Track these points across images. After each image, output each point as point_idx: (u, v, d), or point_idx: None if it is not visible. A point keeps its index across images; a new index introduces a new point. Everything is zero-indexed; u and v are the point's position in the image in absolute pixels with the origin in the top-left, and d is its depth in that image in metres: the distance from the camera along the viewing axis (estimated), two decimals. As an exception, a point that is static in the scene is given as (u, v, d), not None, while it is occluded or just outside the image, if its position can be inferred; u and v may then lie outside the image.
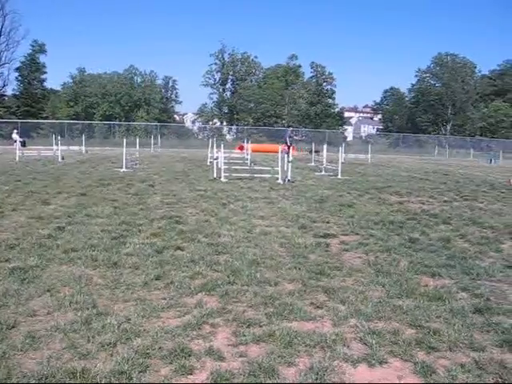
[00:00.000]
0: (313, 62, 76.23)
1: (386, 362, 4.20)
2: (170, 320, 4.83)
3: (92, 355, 4.02)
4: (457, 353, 4.42)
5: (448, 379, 3.95)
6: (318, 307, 5.35)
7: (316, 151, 31.04)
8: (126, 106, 66.49)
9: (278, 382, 3.81)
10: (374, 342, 4.49)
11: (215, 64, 72.87)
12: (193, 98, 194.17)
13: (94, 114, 65.65)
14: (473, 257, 7.84)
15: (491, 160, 46.49)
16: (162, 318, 4.87)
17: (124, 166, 20.35)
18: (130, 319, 4.73)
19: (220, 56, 72.47)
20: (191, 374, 3.86)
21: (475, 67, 76.52)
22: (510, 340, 4.65)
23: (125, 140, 22.58)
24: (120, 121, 63.09)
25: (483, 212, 12.58)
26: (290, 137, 29.65)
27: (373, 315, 5.14)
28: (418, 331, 4.80)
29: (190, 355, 4.11)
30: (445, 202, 14.38)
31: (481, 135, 70.50)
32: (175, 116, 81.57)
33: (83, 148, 35.12)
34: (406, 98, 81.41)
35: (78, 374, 3.71)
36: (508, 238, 9.47)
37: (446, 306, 5.50)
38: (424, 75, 77.67)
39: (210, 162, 22.24)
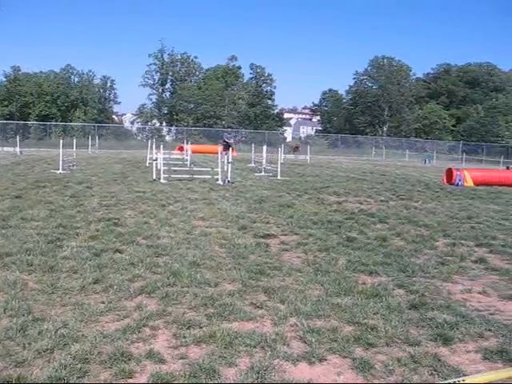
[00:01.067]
0: (252, 64, 76.58)
1: (326, 359, 4.28)
2: (109, 324, 4.77)
3: (28, 362, 3.93)
4: (393, 348, 4.56)
5: (385, 374, 4.07)
6: (258, 307, 5.39)
7: (296, 147, 32.30)
8: (63, 105, 64.68)
9: (219, 382, 3.83)
10: (313, 340, 4.57)
11: (154, 64, 72.04)
12: (132, 99, 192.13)
13: (30, 113, 63.62)
14: (408, 254, 8.09)
15: (426, 160, 47.92)
16: (101, 322, 4.80)
17: (61, 168, 19.84)
18: (67, 324, 4.64)
19: (159, 56, 71.69)
20: (131, 378, 3.83)
21: (410, 70, 78.70)
22: (443, 334, 4.83)
23: (61, 141, 22.10)
24: (56, 121, 61.28)
25: (418, 211, 12.96)
26: (227, 138, 29.70)
27: (312, 314, 5.23)
28: (356, 328, 4.92)
29: (129, 359, 4.07)
30: (381, 201, 14.73)
31: (416, 136, 72.36)
32: (114, 116, 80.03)
33: (18, 149, 34.03)
34: (344, 100, 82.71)
35: (14, 382, 3.62)
36: (442, 235, 9.80)
37: (382, 302, 5.66)
38: (361, 77, 79.19)
39: (149, 163, 22.02)
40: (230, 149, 27.33)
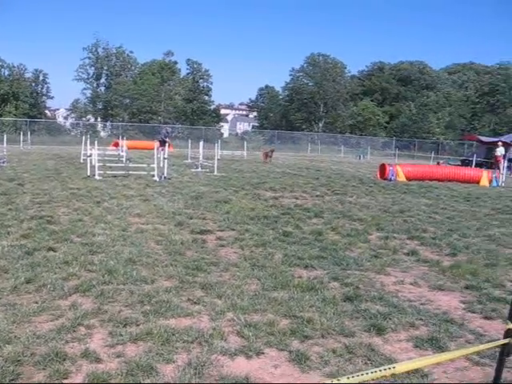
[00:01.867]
0: (189, 59, 76.00)
1: (263, 353, 4.35)
2: (43, 324, 4.67)
3: (-43, 365, 3.80)
4: (329, 339, 4.67)
5: (321, 365, 4.16)
6: (195, 303, 5.40)
7: (271, 151, 31.80)
8: (-8, 100, 62.50)
9: (157, 379, 3.82)
10: (250, 334, 4.62)
11: (89, 58, 70.27)
12: (65, 93, 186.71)
13: (-45, 108, 61.12)
14: (343, 248, 8.27)
15: (360, 156, 48.87)
16: (34, 322, 4.69)
17: (-10, 165, 19.21)
18: (-2, 325, 4.51)
19: (94, 50, 69.97)
20: (66, 378, 3.77)
21: (345, 68, 79.90)
22: (376, 324, 4.99)
23: (-10, 137, 21.34)
24: (-15, 116, 59.19)
25: (353, 205, 13.23)
26: (165, 135, 29.37)
27: (249, 308, 5.28)
28: (292, 321, 5.00)
29: (64, 359, 4.01)
30: (317, 196, 14.96)
31: (351, 132, 73.54)
32: (46, 111, 77.69)
33: None
34: (281, 96, 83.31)
35: None
36: (375, 229, 10.06)
37: (318, 295, 5.78)
38: (297, 74, 79.78)
39: (84, 159, 21.57)
40: (167, 145, 27.05)
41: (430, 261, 7.78)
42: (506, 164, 26.52)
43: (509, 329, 3.24)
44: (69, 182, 15.49)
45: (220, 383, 3.83)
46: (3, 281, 5.79)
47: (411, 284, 6.56)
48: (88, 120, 69.97)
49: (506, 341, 3.26)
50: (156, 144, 23.45)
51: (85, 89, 71.35)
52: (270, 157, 31.88)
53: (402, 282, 6.63)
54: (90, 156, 18.42)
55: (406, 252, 8.29)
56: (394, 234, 9.62)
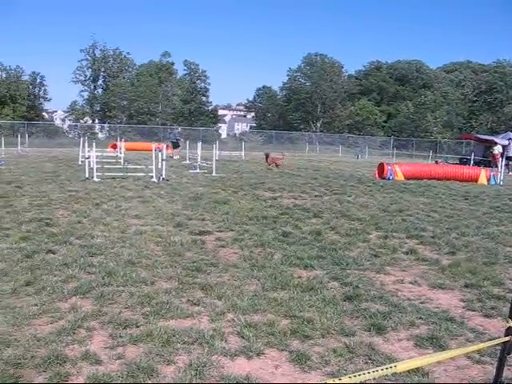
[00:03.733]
0: (186, 60, 76.05)
1: (263, 353, 4.34)
2: (43, 327, 4.66)
3: (-43, 369, 3.80)
4: (329, 339, 4.67)
5: (322, 364, 4.16)
6: (194, 304, 5.40)
7: (273, 161, 26.13)
8: (-10, 102, 62.42)
9: (158, 381, 3.82)
10: (250, 334, 4.62)
11: (86, 60, 70.35)
12: (63, 95, 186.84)
13: (-47, 110, 61.02)
14: (342, 248, 8.26)
15: (358, 156, 48.91)
16: (34, 325, 4.69)
17: (-12, 168, 19.19)
18: (-2, 328, 4.51)
19: (91, 52, 70.01)
20: (67, 381, 3.77)
21: (342, 67, 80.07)
22: (377, 324, 4.99)
23: (-12, 140, 21.33)
24: (-17, 118, 59.07)
25: (351, 205, 13.23)
26: (177, 136, 29.61)
27: (249, 309, 5.28)
28: (292, 321, 5.00)
29: (65, 361, 4.00)
30: (316, 196, 14.95)
31: (348, 132, 73.62)
32: (44, 114, 77.69)
33: None
34: (278, 97, 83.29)
35: None
36: (374, 228, 10.06)
37: (318, 295, 5.77)
38: (295, 74, 79.86)
39: (82, 161, 21.55)
40: (179, 147, 27.09)
41: (429, 259, 7.78)
42: (504, 162, 26.54)
43: (509, 327, 3.24)
44: (67, 184, 15.47)
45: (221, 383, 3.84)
46: (3, 284, 5.78)
47: (411, 283, 6.56)
48: (86, 122, 69.96)
49: (507, 339, 3.26)
50: (158, 146, 23.37)
51: (82, 91, 71.43)
52: (272, 163, 26.15)
53: (402, 280, 6.63)
54: (88, 158, 18.40)
55: (405, 251, 8.29)
56: (393, 233, 9.61)
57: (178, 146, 27.64)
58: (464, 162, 36.21)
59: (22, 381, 3.72)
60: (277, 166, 25.74)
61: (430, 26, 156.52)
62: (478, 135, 47.02)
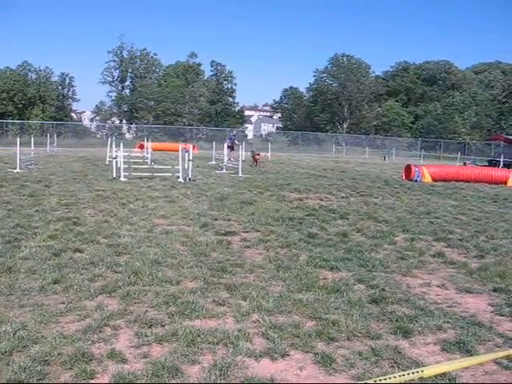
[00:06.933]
0: (213, 61, 76.16)
1: (288, 355, 4.32)
2: (70, 324, 4.70)
3: (-14, 365, 3.85)
4: (355, 342, 4.63)
5: (347, 367, 4.13)
6: (220, 304, 5.40)
7: (258, 154, 28.23)
8: (20, 103, 63.06)
9: (182, 380, 3.82)
10: (275, 335, 4.60)
11: (113, 61, 70.91)
12: (91, 96, 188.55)
13: (-15, 111, 61.99)
14: (369, 250, 8.20)
15: (385, 157, 48.54)
16: (61, 322, 4.74)
17: (18, 167, 19.42)
18: (26, 326, 4.56)
19: (119, 53, 70.50)
20: (93, 379, 3.79)
21: (369, 68, 79.42)
22: (403, 327, 4.93)
23: (18, 139, 21.58)
24: (13, 119, 59.85)
25: (378, 207, 13.13)
26: (233, 138, 30.01)
27: (274, 310, 5.26)
28: (317, 323, 4.97)
29: (91, 359, 4.03)
30: (342, 197, 14.88)
31: (375, 133, 73.12)
32: (72, 114, 78.62)
33: (-28, 148, 33.19)
34: (305, 97, 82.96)
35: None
36: (401, 231, 9.96)
37: (344, 297, 5.73)
38: (321, 75, 79.42)
39: (109, 161, 21.74)
40: (236, 149, 27.35)
41: (457, 263, 7.68)
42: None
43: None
44: (95, 183, 15.64)
45: (245, 385, 3.83)
46: (31, 281, 5.86)
47: (438, 286, 6.48)
48: (113, 122, 70.56)
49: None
50: (184, 147, 23.51)
51: (110, 91, 72.01)
52: (257, 160, 27.70)
53: (429, 284, 6.55)
54: (116, 158, 18.56)
55: (432, 254, 8.19)
56: (420, 236, 9.51)
57: (233, 150, 27.81)
58: (493, 163, 35.71)
59: (49, 377, 3.75)
60: (255, 161, 27.34)
61: (459, 27, 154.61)
62: (508, 136, 46.28)
